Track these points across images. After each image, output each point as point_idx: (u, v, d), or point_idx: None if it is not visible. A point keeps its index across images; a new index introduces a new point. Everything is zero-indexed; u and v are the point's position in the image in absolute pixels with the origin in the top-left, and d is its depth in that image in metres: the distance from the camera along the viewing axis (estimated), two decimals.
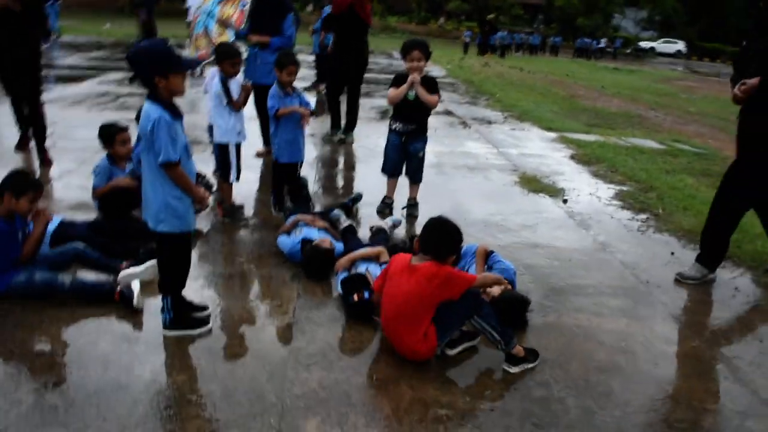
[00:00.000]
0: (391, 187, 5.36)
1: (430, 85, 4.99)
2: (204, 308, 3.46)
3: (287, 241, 4.28)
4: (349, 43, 7.56)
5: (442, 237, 3.13)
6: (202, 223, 4.68)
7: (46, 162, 6.10)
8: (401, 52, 4.99)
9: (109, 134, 4.64)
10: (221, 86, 4.69)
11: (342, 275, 3.83)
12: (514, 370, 3.12)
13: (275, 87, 5.00)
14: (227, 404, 2.66)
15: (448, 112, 10.41)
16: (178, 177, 2.97)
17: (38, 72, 6.19)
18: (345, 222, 4.71)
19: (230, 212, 4.90)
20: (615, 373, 3.14)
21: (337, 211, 4.80)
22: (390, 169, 5.28)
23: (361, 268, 3.87)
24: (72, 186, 5.44)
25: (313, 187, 5.74)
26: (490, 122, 9.79)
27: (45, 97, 6.42)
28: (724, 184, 4.23)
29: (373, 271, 3.83)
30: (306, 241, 4.17)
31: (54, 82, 10.64)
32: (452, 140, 8.27)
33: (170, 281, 3.23)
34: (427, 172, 6.52)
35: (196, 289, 3.68)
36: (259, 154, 6.75)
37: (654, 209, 5.81)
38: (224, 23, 6.26)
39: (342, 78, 7.76)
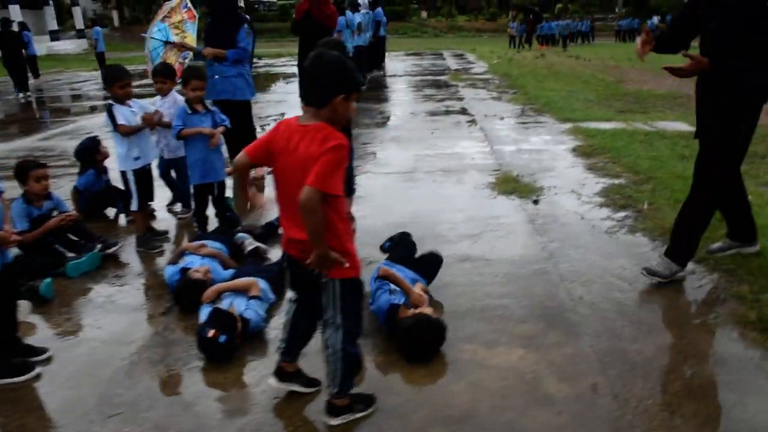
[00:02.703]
0: None
1: None
2: (42, 351, 3.20)
3: (169, 271, 3.94)
4: (309, 49, 7.26)
5: (316, 78, 2.34)
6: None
7: None
8: None
9: (23, 171, 4.53)
10: (107, 111, 4.43)
11: (206, 308, 3.43)
12: (335, 422, 2.57)
13: (183, 105, 4.70)
14: None
15: (463, 110, 9.74)
16: None
17: None
18: (250, 246, 4.30)
19: (141, 242, 4.64)
20: (466, 425, 2.50)
21: (241, 235, 4.39)
22: None
23: (225, 302, 3.45)
24: None
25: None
26: (502, 117, 9.02)
27: None
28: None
29: (238, 304, 3.41)
30: (185, 270, 3.82)
31: None
32: (445, 141, 7.63)
33: None
34: (393, 179, 6.07)
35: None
36: (229, 173, 6.48)
37: (639, 205, 4.94)
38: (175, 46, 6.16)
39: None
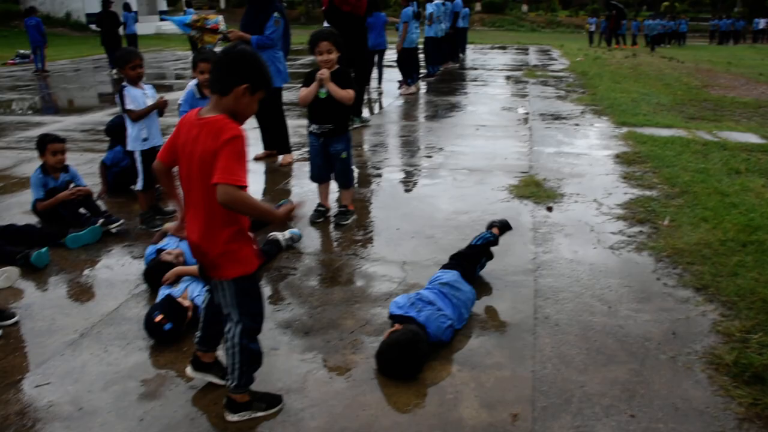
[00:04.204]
0: (323, 194, 4.81)
1: (342, 79, 4.35)
2: (10, 316, 3.36)
3: (148, 250, 4.02)
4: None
5: (223, 65, 2.28)
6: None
7: None
8: (309, 45, 4.42)
9: (42, 143, 4.78)
10: (118, 92, 4.55)
11: (164, 290, 3.47)
12: (231, 418, 2.51)
13: (191, 88, 4.76)
14: None
15: (521, 108, 9.32)
16: None
17: None
18: None
19: (144, 219, 4.76)
20: None
21: None
22: (315, 175, 4.73)
23: (182, 286, 3.47)
24: None
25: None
26: (558, 118, 8.55)
27: None
28: None
29: (192, 289, 3.42)
30: (161, 251, 3.87)
31: None
32: (486, 140, 7.33)
33: None
34: (411, 175, 5.90)
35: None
36: (257, 158, 6.57)
37: (659, 221, 4.50)
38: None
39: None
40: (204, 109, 2.30)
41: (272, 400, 2.57)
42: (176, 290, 3.41)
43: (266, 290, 3.67)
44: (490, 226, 3.93)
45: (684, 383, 2.67)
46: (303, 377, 2.79)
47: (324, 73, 4.29)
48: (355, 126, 8.06)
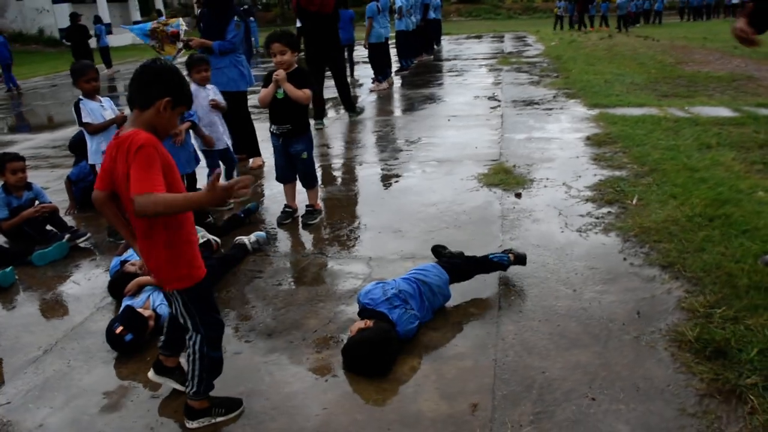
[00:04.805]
0: (289, 195, 4.77)
1: (300, 79, 4.32)
2: None
3: (113, 262, 3.98)
4: (312, 35, 7.84)
5: (145, 78, 2.24)
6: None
7: None
8: (264, 47, 4.39)
9: (1, 163, 4.71)
10: (74, 106, 4.49)
11: (126, 301, 3.43)
12: (191, 425, 2.49)
13: None
14: None
15: (493, 96, 9.30)
16: None
17: None
18: (202, 239, 4.24)
19: (111, 232, 4.70)
20: None
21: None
22: (279, 176, 4.70)
23: (144, 296, 3.43)
24: None
25: None
26: (530, 104, 8.53)
27: None
28: None
29: (154, 298, 3.39)
30: (124, 263, 3.83)
31: None
32: (457, 130, 7.30)
33: None
34: (380, 168, 5.88)
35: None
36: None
37: (627, 201, 4.50)
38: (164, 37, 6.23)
39: (315, 69, 7.96)
40: (125, 126, 2.26)
41: (232, 405, 2.55)
42: (138, 301, 3.38)
43: (231, 294, 3.64)
44: (508, 251, 3.57)
45: (646, 363, 2.66)
46: (264, 379, 2.76)
47: (279, 74, 4.26)
48: (351, 119, 8.39)
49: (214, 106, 5.06)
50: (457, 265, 3.40)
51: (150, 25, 6.24)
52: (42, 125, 10.70)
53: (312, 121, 7.96)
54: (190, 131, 4.87)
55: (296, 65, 4.39)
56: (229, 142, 5.26)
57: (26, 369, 3.03)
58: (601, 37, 17.92)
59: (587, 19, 22.28)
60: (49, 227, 4.76)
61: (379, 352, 2.74)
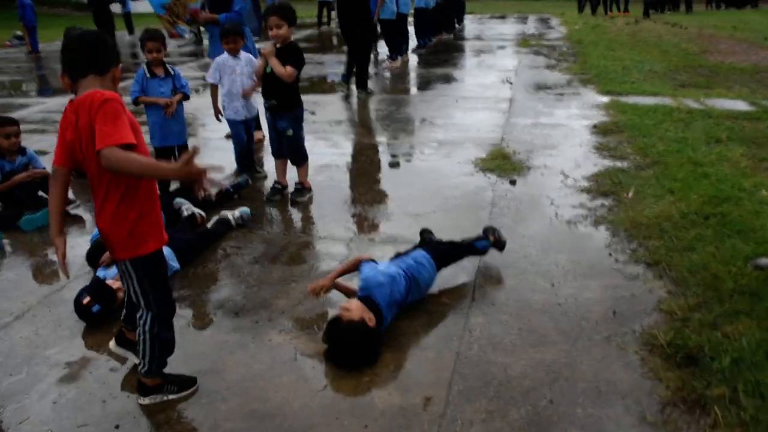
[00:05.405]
0: (280, 171, 4.70)
1: (288, 55, 4.22)
2: None
3: (95, 233, 3.95)
4: (343, 9, 8.20)
5: (73, 48, 2.24)
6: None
7: None
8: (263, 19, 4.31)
9: None
10: None
11: (100, 272, 3.42)
12: (143, 401, 2.48)
13: (142, 68, 4.64)
14: None
15: (506, 79, 9.09)
16: None
17: None
18: (187, 212, 4.21)
19: None
20: (262, 423, 2.29)
21: (179, 200, 4.31)
22: (273, 150, 4.65)
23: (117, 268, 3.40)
24: None
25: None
26: (542, 88, 8.32)
27: None
28: None
29: None
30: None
31: None
32: (463, 112, 7.15)
33: None
34: (378, 150, 5.80)
35: None
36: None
37: (624, 193, 4.36)
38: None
39: (347, 41, 8.39)
40: (73, 98, 2.21)
41: (185, 383, 2.52)
42: (111, 272, 3.35)
43: (206, 270, 3.61)
44: (491, 230, 3.53)
45: (613, 365, 2.57)
46: (223, 359, 2.73)
47: (266, 48, 4.19)
48: (359, 97, 8.23)
49: (245, 96, 4.95)
50: (446, 253, 3.30)
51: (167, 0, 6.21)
52: (56, 89, 10.73)
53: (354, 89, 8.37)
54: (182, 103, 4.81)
55: (291, 40, 4.29)
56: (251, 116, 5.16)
57: None
58: (627, 23, 17.40)
59: (610, 2, 21.40)
60: (41, 193, 4.75)
61: (365, 348, 2.65)
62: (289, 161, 4.65)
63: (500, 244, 3.47)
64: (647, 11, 19.98)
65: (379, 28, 10.46)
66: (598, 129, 6.08)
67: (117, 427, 2.33)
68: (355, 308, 2.69)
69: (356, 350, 2.62)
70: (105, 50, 2.23)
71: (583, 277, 3.28)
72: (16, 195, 4.65)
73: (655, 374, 2.49)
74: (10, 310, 3.28)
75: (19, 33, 18.20)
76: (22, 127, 4.90)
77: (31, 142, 5.59)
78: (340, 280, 3.07)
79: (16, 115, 7.58)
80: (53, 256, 3.93)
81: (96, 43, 2.22)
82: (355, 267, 3.03)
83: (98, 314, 3.08)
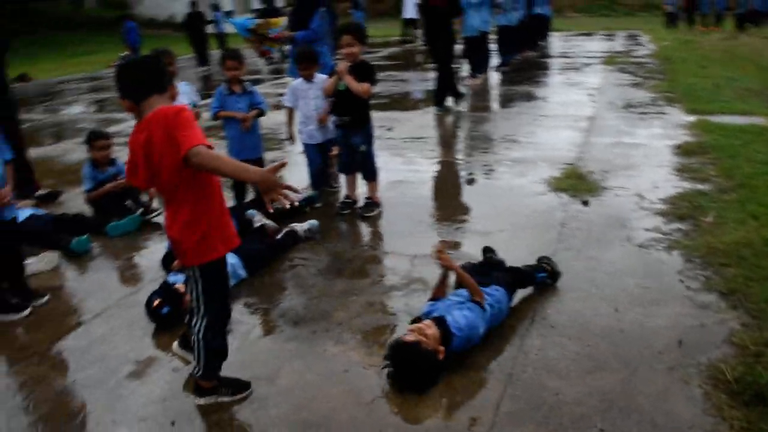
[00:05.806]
0: (349, 186, 4.81)
1: (362, 72, 4.33)
2: (42, 295, 3.66)
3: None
4: (428, 26, 8.44)
5: (128, 74, 2.42)
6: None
7: None
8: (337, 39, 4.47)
9: (89, 140, 5.11)
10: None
11: (171, 277, 3.62)
12: (199, 401, 2.61)
13: (222, 86, 4.87)
14: None
15: (589, 96, 8.85)
16: None
17: None
18: (258, 223, 4.38)
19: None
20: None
21: (251, 211, 4.48)
22: (340, 166, 4.78)
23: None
24: None
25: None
26: (626, 106, 8.04)
27: None
28: None
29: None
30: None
31: None
32: (545, 130, 7.01)
33: None
34: (452, 165, 5.80)
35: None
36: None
37: (703, 217, 4.14)
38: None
39: (432, 56, 8.68)
40: (138, 119, 2.38)
41: (239, 387, 2.63)
42: (179, 277, 3.52)
43: (272, 279, 3.73)
44: (546, 260, 3.45)
45: (673, 398, 2.44)
46: (279, 366, 2.81)
47: (341, 66, 4.31)
48: (437, 113, 8.27)
49: (321, 122, 4.88)
50: (518, 286, 3.24)
51: (251, 24, 6.57)
52: None
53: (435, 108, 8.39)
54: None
55: (362, 58, 4.41)
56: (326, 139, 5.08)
57: (74, 331, 3.28)
58: (722, 38, 16.52)
59: (701, 17, 20.15)
60: (128, 202, 5.08)
61: (432, 374, 2.61)
62: (359, 176, 4.74)
63: (555, 276, 3.38)
64: (741, 24, 18.83)
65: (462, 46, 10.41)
66: (681, 149, 5.80)
67: (173, 423, 2.46)
68: (432, 338, 2.62)
69: (418, 377, 2.59)
70: (163, 71, 2.43)
71: (651, 304, 3.14)
72: (103, 203, 4.98)
73: (719, 411, 2.34)
74: (92, 309, 3.53)
75: (124, 54, 19.58)
76: (117, 140, 5.29)
77: (124, 155, 5.99)
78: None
79: (113, 129, 8.18)
80: (133, 261, 4.20)
81: (154, 66, 2.45)
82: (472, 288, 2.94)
83: (167, 316, 3.27)
